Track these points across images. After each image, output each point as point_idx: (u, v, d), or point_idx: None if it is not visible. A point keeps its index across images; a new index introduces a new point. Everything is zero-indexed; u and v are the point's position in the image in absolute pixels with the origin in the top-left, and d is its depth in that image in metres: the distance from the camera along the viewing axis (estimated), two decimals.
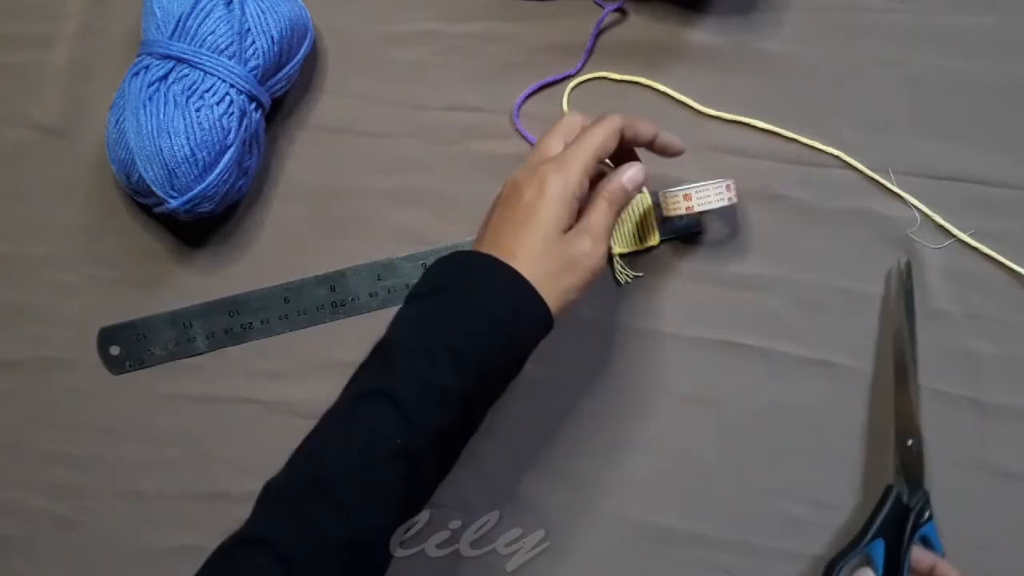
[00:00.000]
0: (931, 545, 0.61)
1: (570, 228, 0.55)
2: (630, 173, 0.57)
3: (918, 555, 0.60)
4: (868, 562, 0.59)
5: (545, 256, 0.54)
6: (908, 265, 0.64)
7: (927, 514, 0.61)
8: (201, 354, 0.67)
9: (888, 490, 0.61)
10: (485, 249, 0.55)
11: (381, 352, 0.54)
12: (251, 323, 0.67)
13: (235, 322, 0.67)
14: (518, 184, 0.56)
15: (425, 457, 0.52)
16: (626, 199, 0.57)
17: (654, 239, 0.66)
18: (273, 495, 0.52)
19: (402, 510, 0.52)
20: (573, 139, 0.57)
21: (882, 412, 0.64)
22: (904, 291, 0.64)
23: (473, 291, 0.53)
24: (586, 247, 0.55)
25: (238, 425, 0.67)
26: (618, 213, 0.57)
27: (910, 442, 0.62)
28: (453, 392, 0.52)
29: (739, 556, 0.64)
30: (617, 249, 0.66)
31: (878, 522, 0.60)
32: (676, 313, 0.66)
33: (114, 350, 0.68)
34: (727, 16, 0.67)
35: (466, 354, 0.52)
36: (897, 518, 0.60)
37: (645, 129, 0.58)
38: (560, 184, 0.54)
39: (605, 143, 0.56)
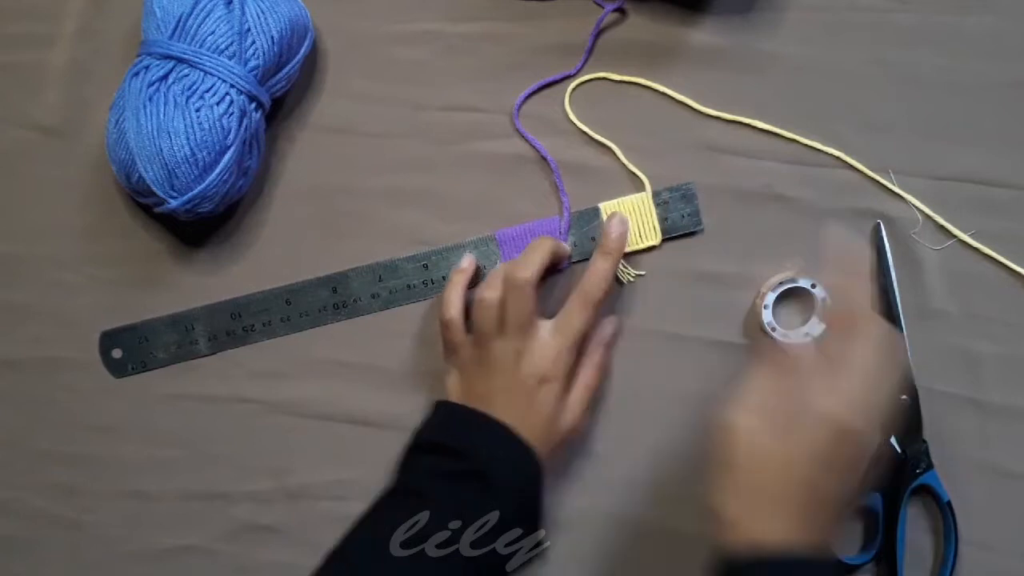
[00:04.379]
0: (935, 494, 0.62)
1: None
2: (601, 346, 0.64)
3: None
4: (865, 515, 0.61)
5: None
6: (877, 226, 0.65)
7: (924, 464, 0.62)
8: (203, 356, 0.68)
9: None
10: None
11: (421, 505, 0.56)
12: (253, 325, 0.67)
13: (237, 324, 0.67)
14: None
15: None
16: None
17: (655, 238, 0.66)
18: None
19: None
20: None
21: None
22: (877, 250, 0.64)
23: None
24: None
25: (238, 425, 0.67)
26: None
27: (903, 397, 0.62)
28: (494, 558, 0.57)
29: None
30: None
31: (871, 476, 0.61)
32: (676, 313, 0.66)
33: (116, 353, 0.68)
34: (727, 16, 0.67)
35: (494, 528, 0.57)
36: (893, 471, 0.62)
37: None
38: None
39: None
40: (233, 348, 0.67)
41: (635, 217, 0.66)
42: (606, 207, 0.67)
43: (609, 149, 0.67)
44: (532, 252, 0.62)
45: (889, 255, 0.64)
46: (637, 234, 0.66)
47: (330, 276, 0.67)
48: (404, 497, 0.58)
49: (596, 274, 0.62)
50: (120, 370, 0.68)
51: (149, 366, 0.68)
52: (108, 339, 0.68)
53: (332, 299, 0.67)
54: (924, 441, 0.63)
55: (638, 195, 0.66)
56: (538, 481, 0.59)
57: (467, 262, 0.65)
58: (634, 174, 0.67)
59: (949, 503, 0.62)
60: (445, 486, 0.57)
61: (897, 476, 0.62)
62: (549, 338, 0.61)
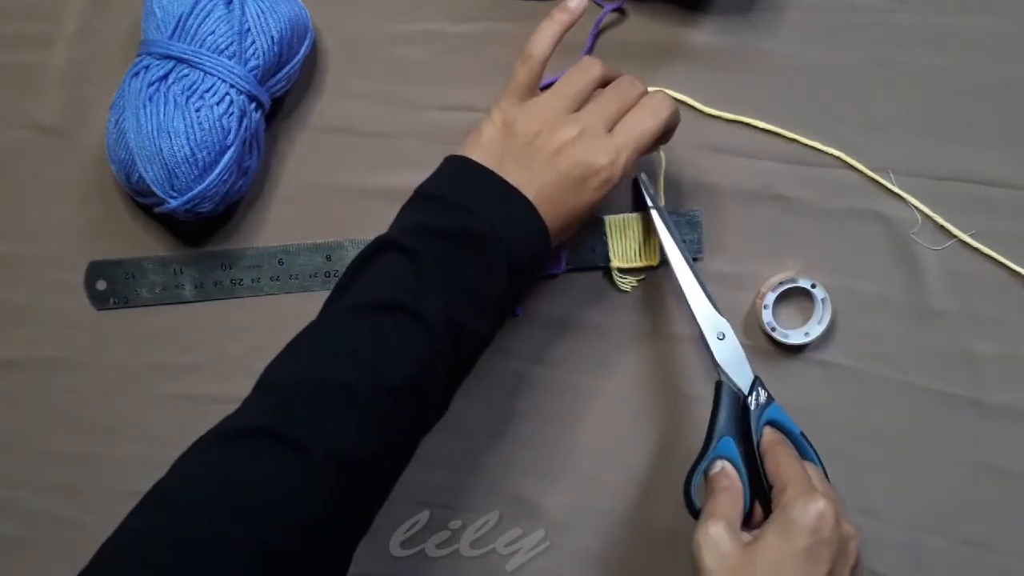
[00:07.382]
0: (782, 427, 0.59)
1: None
2: None
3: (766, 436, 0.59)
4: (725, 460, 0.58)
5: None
6: (635, 181, 0.65)
7: (762, 398, 0.59)
8: (187, 302, 0.68)
9: (718, 386, 0.59)
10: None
11: (412, 261, 0.53)
12: (241, 279, 0.67)
13: (226, 276, 0.67)
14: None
15: (439, 383, 0.53)
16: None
17: (653, 259, 0.66)
18: (289, 389, 0.52)
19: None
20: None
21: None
22: (649, 202, 0.64)
23: (506, 237, 0.54)
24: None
25: None
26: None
27: (722, 335, 0.61)
28: (474, 333, 0.54)
29: None
30: (616, 263, 0.66)
31: (720, 421, 0.59)
32: (676, 313, 0.66)
33: (100, 284, 0.68)
34: (727, 16, 0.67)
35: (487, 299, 0.54)
36: (738, 412, 0.59)
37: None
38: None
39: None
40: (218, 299, 0.67)
41: (637, 235, 0.66)
42: (611, 221, 0.66)
43: None
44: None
45: (656, 203, 0.64)
46: (637, 253, 0.66)
47: (327, 244, 0.67)
48: (390, 251, 0.55)
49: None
50: (102, 302, 0.68)
51: (131, 303, 0.67)
52: (95, 269, 0.68)
53: (325, 267, 0.67)
54: (756, 377, 0.60)
55: (644, 214, 0.66)
56: (539, 255, 0.56)
57: (576, 1, 0.59)
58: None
59: (803, 434, 0.60)
60: (438, 243, 0.54)
61: (744, 417, 0.59)
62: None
